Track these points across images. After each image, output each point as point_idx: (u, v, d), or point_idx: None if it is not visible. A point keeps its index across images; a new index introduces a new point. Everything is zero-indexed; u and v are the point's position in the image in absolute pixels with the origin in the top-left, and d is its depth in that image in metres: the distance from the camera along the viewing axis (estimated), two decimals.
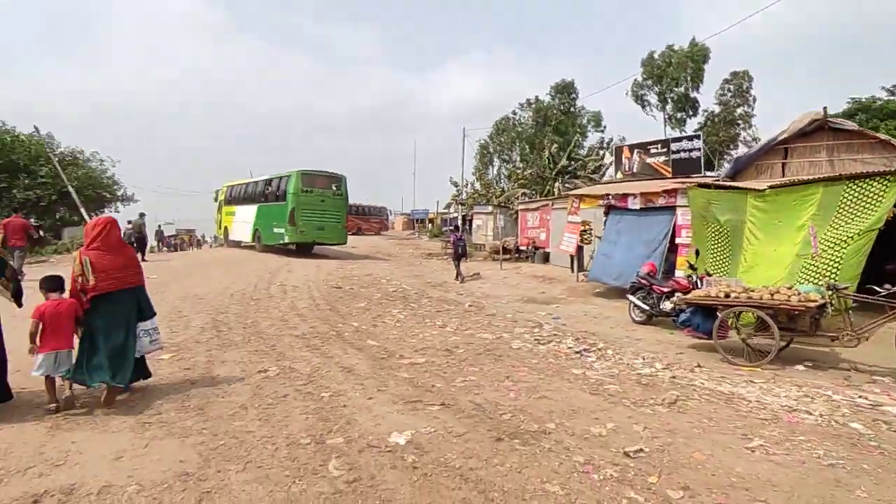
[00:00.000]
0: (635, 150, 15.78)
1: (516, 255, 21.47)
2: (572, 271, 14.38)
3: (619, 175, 16.42)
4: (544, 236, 19.82)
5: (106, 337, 4.17)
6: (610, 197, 12.20)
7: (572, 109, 56.63)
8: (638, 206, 11.68)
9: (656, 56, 42.58)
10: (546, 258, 19.11)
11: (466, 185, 38.01)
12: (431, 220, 62.84)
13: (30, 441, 3.34)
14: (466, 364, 5.69)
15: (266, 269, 13.85)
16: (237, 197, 22.70)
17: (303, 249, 19.56)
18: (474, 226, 27.09)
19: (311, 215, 17.82)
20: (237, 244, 22.61)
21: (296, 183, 17.67)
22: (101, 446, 3.27)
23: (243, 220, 21.63)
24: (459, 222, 38.22)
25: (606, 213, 12.67)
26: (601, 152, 38.92)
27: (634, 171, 15.73)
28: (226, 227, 23.87)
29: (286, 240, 18.01)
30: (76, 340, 4.18)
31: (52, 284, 4.17)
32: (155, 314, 4.67)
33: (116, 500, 2.69)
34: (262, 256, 18.11)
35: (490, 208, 25.36)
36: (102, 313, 4.21)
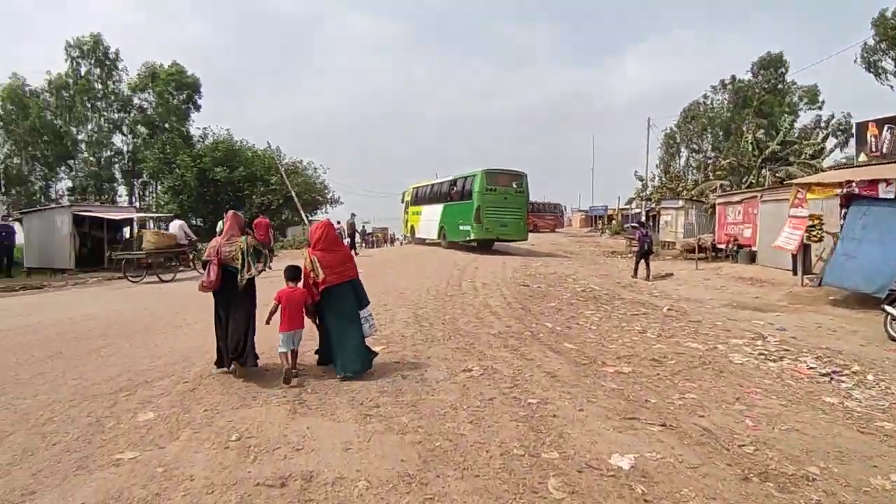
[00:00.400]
0: (886, 126, 12.74)
1: (713, 255, 19.13)
2: (794, 273, 12.23)
3: (863, 157, 13.46)
4: (749, 233, 17.28)
5: (335, 325, 4.89)
6: (853, 184, 10.03)
7: (780, 86, 48.67)
8: (893, 195, 9.40)
9: (889, 14, 34.05)
10: (752, 258, 16.64)
11: (653, 178, 35.10)
12: (611, 217, 59.94)
13: (275, 421, 3.77)
14: (681, 378, 5.11)
15: (455, 266, 14.50)
16: (423, 197, 24.00)
17: (483, 246, 20.09)
18: (662, 222, 24.91)
19: (495, 213, 18.28)
20: (422, 241, 23.87)
21: (481, 182, 18.22)
22: (331, 434, 3.56)
23: (429, 218, 22.78)
24: (643, 218, 35.70)
25: (845, 205, 10.47)
26: (820, 133, 32.64)
27: (884, 151, 12.72)
28: (412, 226, 25.38)
29: (472, 236, 18.61)
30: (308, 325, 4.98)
31: (291, 273, 4.93)
32: (369, 303, 5.26)
33: (349, 493, 2.84)
34: (447, 253, 19.07)
35: (680, 203, 23.04)
36: (331, 304, 4.92)
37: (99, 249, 17.05)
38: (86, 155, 37.64)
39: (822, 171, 21.07)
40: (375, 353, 5.15)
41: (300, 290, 4.88)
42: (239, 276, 4.74)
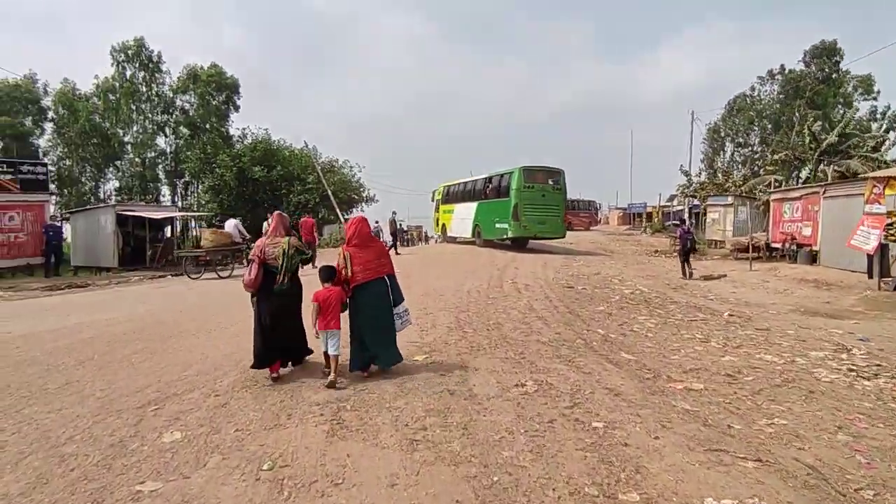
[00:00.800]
0: None
1: (767, 254, 17.99)
2: (870, 276, 11.21)
3: None
4: (809, 231, 16.14)
5: (368, 322, 4.84)
6: None
7: (833, 76, 45.92)
8: None
9: None
10: (812, 258, 15.52)
11: (699, 173, 33.62)
12: (650, 215, 58.12)
13: (312, 446, 3.38)
14: (763, 398, 4.50)
15: (494, 266, 14.02)
16: (455, 196, 23.80)
17: (518, 244, 19.76)
18: (708, 219, 23.71)
19: (533, 210, 18.00)
20: (453, 240, 23.66)
21: (518, 179, 17.95)
22: (374, 465, 3.14)
23: (462, 217, 22.55)
24: (686, 215, 34.27)
25: None
26: (874, 125, 30.55)
27: None
28: (443, 225, 25.08)
29: (509, 234, 18.29)
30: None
31: (326, 274, 4.90)
32: (404, 299, 5.16)
33: None
34: (484, 252, 18.61)
35: (730, 199, 21.84)
36: (363, 301, 4.85)
37: (141, 248, 17.34)
38: (131, 156, 38.78)
39: (886, 164, 19.53)
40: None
41: (335, 291, 4.83)
42: (277, 277, 4.77)
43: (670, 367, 5.41)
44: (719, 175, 27.09)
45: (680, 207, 39.44)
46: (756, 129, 48.17)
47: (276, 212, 5.35)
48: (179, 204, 42.99)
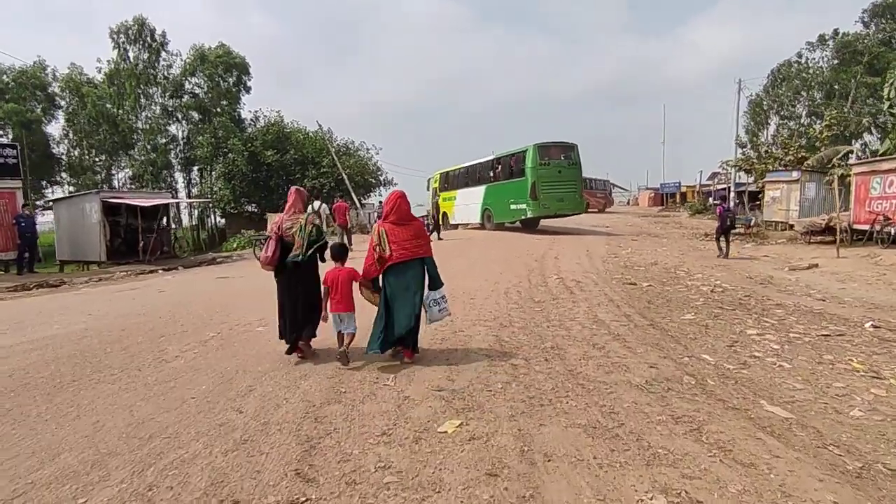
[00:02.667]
0: None
1: (851, 238, 15.36)
2: None
3: None
4: None
5: (397, 303, 4.49)
6: None
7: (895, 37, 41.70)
8: None
9: None
10: None
11: (757, 144, 30.48)
12: (684, 195, 54.90)
13: None
14: None
15: (530, 255, 11.87)
16: (456, 181, 23.17)
17: (531, 225, 19.60)
18: (767, 198, 20.98)
19: (551, 187, 17.56)
20: (455, 227, 22.99)
21: (534, 157, 17.55)
22: None
23: (466, 202, 21.84)
24: (729, 193, 31.42)
25: None
26: None
27: None
28: (444, 213, 23.97)
29: (528, 215, 17.91)
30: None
31: (336, 252, 4.81)
32: (443, 284, 4.75)
33: None
34: (514, 238, 16.52)
35: (795, 174, 19.08)
36: (395, 281, 4.53)
37: (136, 240, 15.64)
38: (142, 142, 37.34)
39: None
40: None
41: (346, 270, 4.73)
42: (292, 253, 4.64)
43: (865, 437, 3.23)
44: (776, 148, 23.91)
45: (723, 186, 36.42)
46: (804, 99, 44.37)
47: (294, 187, 5.09)
48: (195, 191, 41.76)
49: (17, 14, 70.73)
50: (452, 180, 23.59)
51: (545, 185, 17.39)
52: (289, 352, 4.84)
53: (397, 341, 4.58)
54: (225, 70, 39.17)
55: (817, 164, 19.98)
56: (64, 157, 39.53)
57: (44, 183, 39.94)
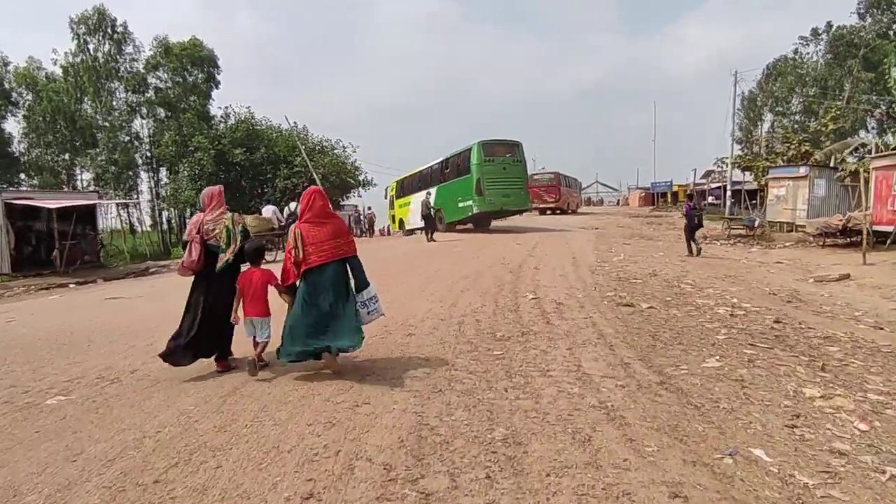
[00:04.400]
0: None
1: (873, 240, 13.60)
2: None
3: None
4: None
5: (315, 308, 4.09)
6: None
7: (893, 29, 40.35)
8: None
9: None
10: None
11: (752, 141, 28.81)
12: (676, 194, 53.44)
13: None
14: None
15: (505, 265, 9.95)
16: (409, 187, 23.84)
17: (482, 224, 20.22)
18: (771, 197, 19.24)
19: (496, 183, 17.80)
20: (411, 232, 23.09)
21: (478, 154, 17.98)
22: None
23: (408, 209, 22.68)
24: (725, 192, 29.83)
25: None
26: None
27: None
28: (400, 219, 25.06)
29: (474, 211, 18.16)
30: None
31: (248, 254, 4.49)
32: (370, 284, 4.33)
33: None
34: (483, 241, 14.55)
35: (803, 170, 17.33)
36: (315, 285, 4.14)
37: (51, 248, 13.48)
38: (103, 140, 34.93)
39: None
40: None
41: (258, 272, 4.42)
42: (220, 256, 4.32)
43: None
44: (778, 143, 22.03)
45: (718, 185, 34.81)
46: (798, 95, 42.92)
47: (218, 186, 4.80)
48: (163, 193, 39.36)
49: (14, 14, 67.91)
50: (406, 187, 24.30)
51: (490, 182, 17.71)
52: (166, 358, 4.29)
53: (324, 349, 4.09)
54: (192, 64, 36.94)
55: (824, 159, 18.26)
56: (24, 156, 37.06)
57: (4, 185, 37.49)
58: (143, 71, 35.31)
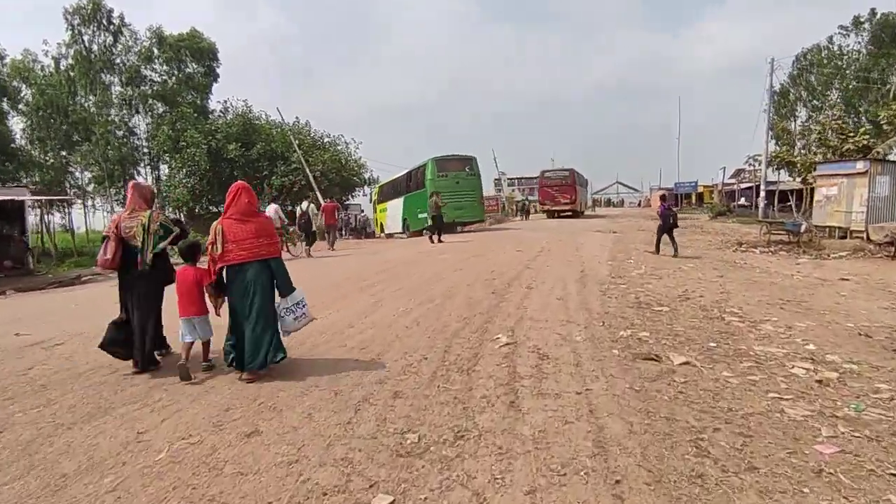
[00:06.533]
0: None
1: None
2: None
3: None
4: None
5: (240, 312, 4.02)
6: None
7: None
8: None
9: None
10: None
11: (805, 132, 25.79)
12: (701, 195, 50.45)
13: None
14: None
15: (491, 279, 7.68)
16: (387, 193, 25.23)
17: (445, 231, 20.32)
18: (819, 197, 16.52)
19: (449, 197, 18.56)
20: (390, 236, 24.06)
21: (431, 169, 19.54)
22: None
23: (393, 213, 23.67)
24: (756, 193, 27.02)
25: None
26: None
27: None
28: (381, 223, 26.24)
29: (429, 223, 18.62)
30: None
31: (184, 251, 4.41)
32: (294, 289, 4.20)
33: None
34: (486, 245, 12.27)
35: (861, 165, 14.60)
36: (236, 286, 4.02)
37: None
38: (97, 135, 33.48)
39: None
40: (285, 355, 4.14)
41: (191, 270, 4.28)
42: (140, 257, 4.23)
43: None
44: (830, 134, 19.21)
45: (750, 184, 31.88)
46: (836, 88, 39.54)
47: (133, 181, 4.76)
48: (158, 189, 37.88)
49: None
50: (385, 192, 25.63)
51: (443, 195, 18.23)
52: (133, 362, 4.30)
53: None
54: (191, 56, 35.37)
55: (887, 152, 15.51)
56: (20, 153, 35.90)
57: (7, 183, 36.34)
58: (137, 62, 33.74)
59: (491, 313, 5.87)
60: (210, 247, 4.04)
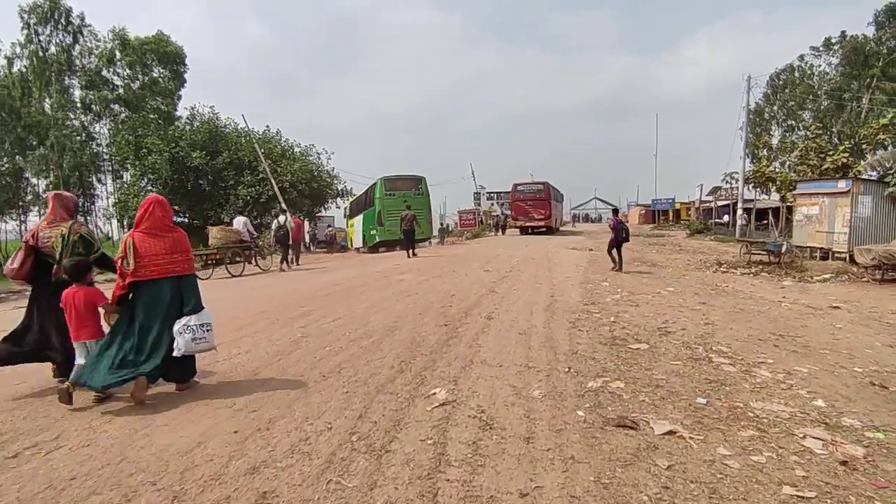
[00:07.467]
0: None
1: None
2: None
3: None
4: None
5: (141, 328, 3.84)
6: None
7: None
8: None
9: None
10: None
11: (785, 147, 25.47)
12: (678, 212, 50.44)
13: None
14: None
15: (446, 307, 6.62)
16: (354, 210, 26.51)
17: (386, 247, 21.62)
18: (799, 216, 15.99)
19: (396, 215, 18.75)
20: (359, 250, 24.77)
21: (380, 188, 20.85)
22: None
23: (357, 228, 24.78)
24: (734, 210, 26.71)
25: None
26: None
27: None
28: (350, 238, 27.32)
29: (377, 239, 20.91)
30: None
31: (69, 270, 4.01)
32: (202, 308, 4.00)
33: None
34: (452, 264, 11.27)
35: (844, 184, 14.07)
36: (142, 302, 3.87)
37: None
38: (52, 140, 31.73)
39: None
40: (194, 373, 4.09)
41: (82, 291, 3.97)
42: (56, 267, 4.06)
43: None
44: (811, 153, 18.73)
45: (726, 202, 31.63)
46: (810, 108, 39.94)
47: (54, 192, 4.43)
48: (114, 198, 36.10)
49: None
50: (352, 209, 27.02)
51: (390, 213, 19.79)
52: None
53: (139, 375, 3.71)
54: (157, 60, 33.96)
55: (866, 171, 15.04)
56: None
57: None
58: (98, 65, 32.20)
59: (436, 355, 4.84)
60: (120, 261, 3.86)
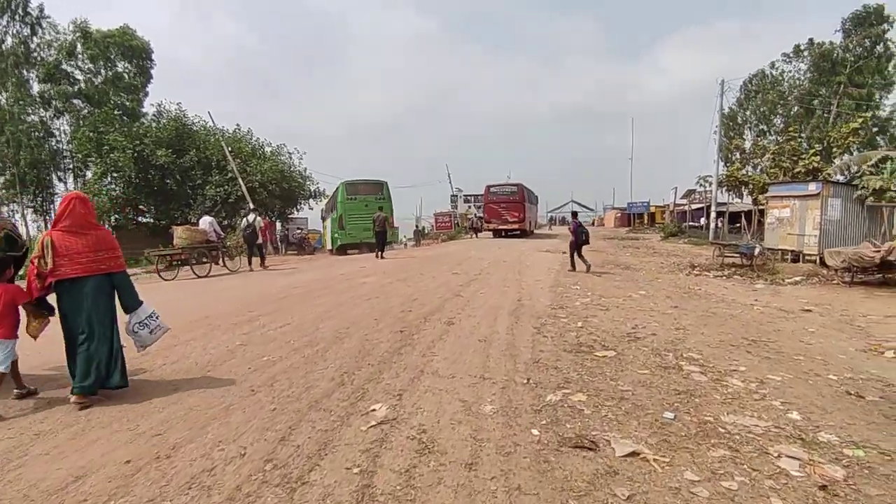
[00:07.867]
0: None
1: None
2: None
3: None
4: None
5: (73, 328, 3.72)
6: None
7: (877, 49, 38.45)
8: None
9: None
10: None
11: (757, 151, 25.62)
12: (653, 215, 50.97)
13: None
14: None
15: (405, 311, 6.17)
16: (325, 213, 27.09)
17: (342, 250, 21.87)
18: (770, 219, 16.02)
19: (358, 219, 19.98)
20: (331, 251, 24.53)
21: (342, 193, 21.18)
22: None
23: (327, 231, 25.42)
24: (708, 213, 26.90)
25: None
26: None
27: None
28: (325, 240, 27.39)
29: (339, 242, 21.21)
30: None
31: None
32: (141, 303, 3.99)
33: None
34: (421, 266, 10.85)
35: (814, 187, 14.08)
36: (70, 302, 3.72)
37: None
38: (7, 136, 30.24)
39: None
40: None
41: (2, 287, 3.74)
42: None
43: None
44: (784, 158, 18.82)
45: (700, 205, 31.91)
46: (780, 113, 40.67)
47: None
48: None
49: None
50: (325, 211, 27.33)
51: (352, 217, 20.37)
52: None
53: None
54: (121, 55, 32.76)
55: (838, 174, 15.14)
56: None
57: None
58: (58, 57, 30.85)
59: (384, 365, 4.41)
60: (36, 260, 3.70)
